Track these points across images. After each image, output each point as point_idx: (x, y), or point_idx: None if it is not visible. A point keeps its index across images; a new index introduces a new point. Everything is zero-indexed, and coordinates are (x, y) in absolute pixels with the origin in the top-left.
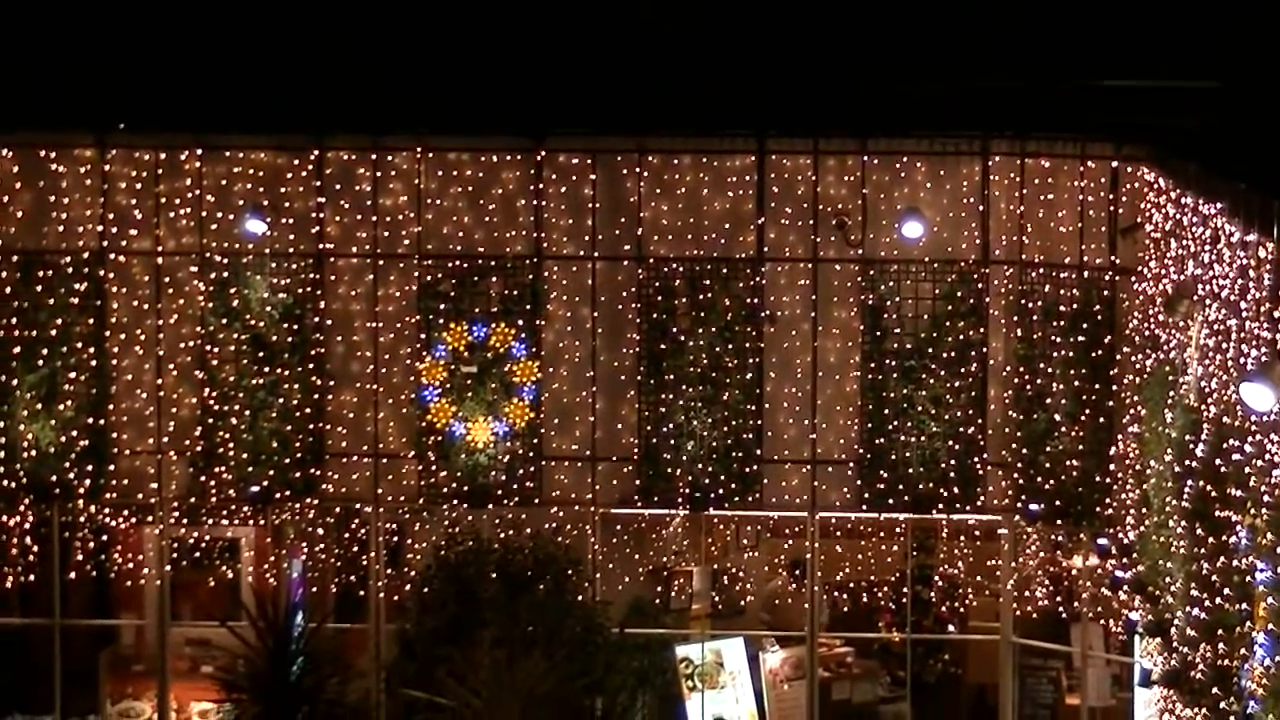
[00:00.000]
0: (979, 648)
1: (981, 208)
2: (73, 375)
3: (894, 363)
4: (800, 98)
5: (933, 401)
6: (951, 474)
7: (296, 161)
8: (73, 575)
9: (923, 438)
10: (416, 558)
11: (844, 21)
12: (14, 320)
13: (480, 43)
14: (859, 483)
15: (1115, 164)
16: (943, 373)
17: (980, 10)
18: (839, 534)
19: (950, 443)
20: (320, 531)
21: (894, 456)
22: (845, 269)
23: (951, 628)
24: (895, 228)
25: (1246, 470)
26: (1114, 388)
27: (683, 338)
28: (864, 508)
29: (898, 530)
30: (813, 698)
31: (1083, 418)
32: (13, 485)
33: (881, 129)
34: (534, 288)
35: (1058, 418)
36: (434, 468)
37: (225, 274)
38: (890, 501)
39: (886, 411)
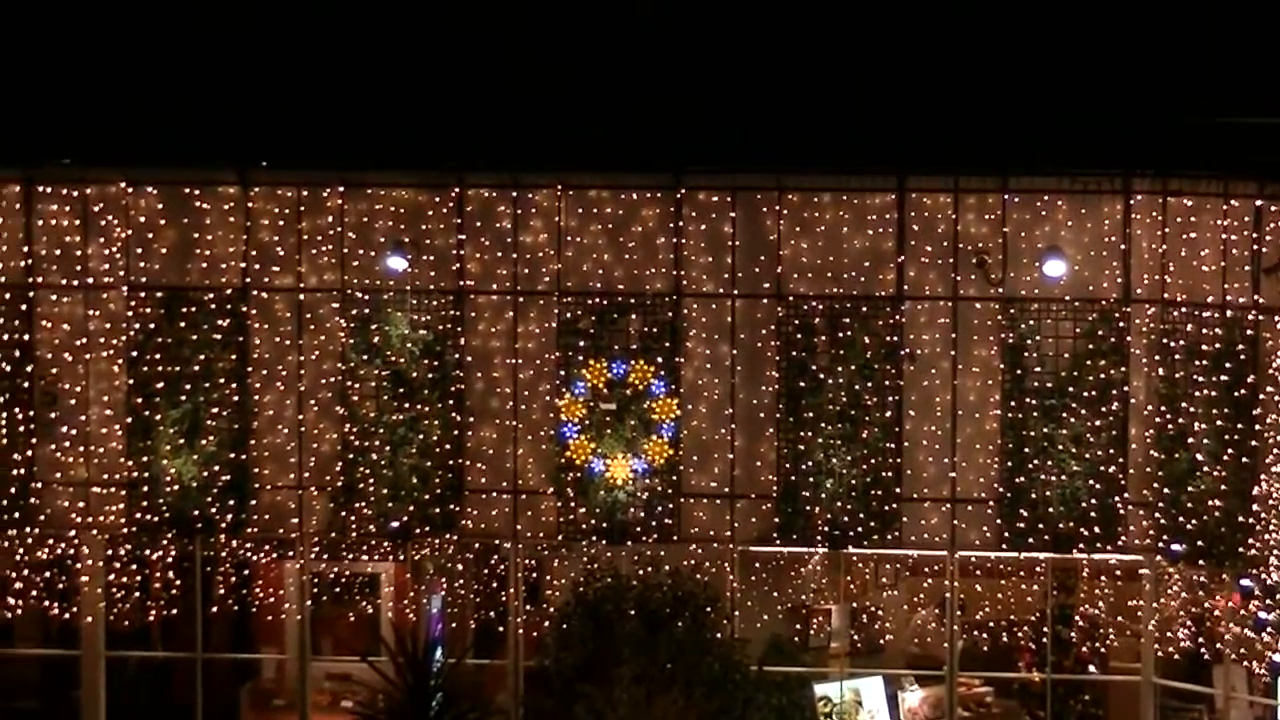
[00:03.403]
0: (1120, 689)
1: (1123, 246)
2: (215, 411)
3: (1034, 401)
4: (941, 135)
5: (1073, 440)
6: (1092, 513)
7: (438, 198)
8: (214, 609)
9: (1063, 476)
10: (555, 594)
11: (984, 59)
12: (158, 356)
13: (620, 80)
14: (999, 521)
15: (1259, 202)
16: (1084, 411)
17: (1123, 47)
18: (979, 573)
19: (1091, 482)
20: (459, 567)
21: (1034, 495)
22: (985, 307)
23: (1092, 668)
24: (1036, 266)
25: None
26: (1257, 427)
27: (822, 375)
28: (1004, 547)
29: (1038, 569)
30: None
31: (1225, 457)
32: (155, 519)
33: (1022, 167)
34: (673, 325)
35: (1200, 457)
36: (573, 504)
37: (366, 310)
38: (1030, 540)
39: (1027, 450)
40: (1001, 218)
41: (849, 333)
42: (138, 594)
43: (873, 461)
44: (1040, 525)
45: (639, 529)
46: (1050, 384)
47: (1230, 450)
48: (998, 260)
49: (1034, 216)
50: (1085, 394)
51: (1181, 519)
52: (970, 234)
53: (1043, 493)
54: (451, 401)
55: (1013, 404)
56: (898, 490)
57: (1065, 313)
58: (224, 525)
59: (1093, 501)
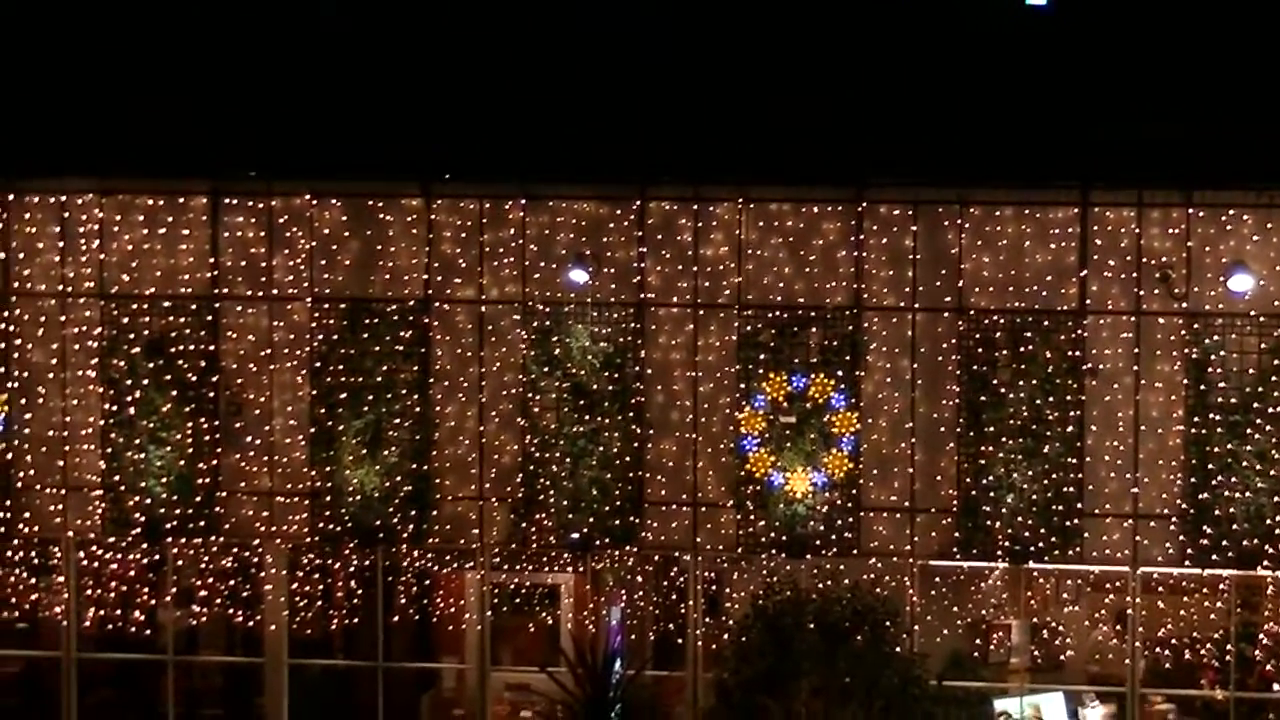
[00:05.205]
0: None
1: None
2: (397, 421)
3: (1219, 417)
4: (1124, 149)
5: (1258, 457)
6: (1277, 530)
7: (619, 211)
8: (395, 619)
9: (1248, 493)
10: (734, 606)
11: (1167, 73)
12: (341, 367)
13: (802, 93)
14: (1182, 538)
15: None
16: (1269, 428)
17: None
18: (1161, 589)
19: (1276, 498)
20: (639, 579)
21: (1218, 512)
22: (1169, 322)
23: (1277, 687)
24: (1220, 281)
25: None
26: None
27: (1003, 390)
28: (1187, 563)
29: (1221, 587)
30: None
31: None
32: (338, 529)
33: (1207, 181)
34: (854, 339)
35: None
36: (752, 517)
37: (547, 323)
38: (1214, 557)
39: (1210, 466)
40: (1185, 232)
41: (1030, 347)
42: (320, 603)
43: (1054, 476)
44: (1224, 542)
45: (818, 542)
46: (1234, 399)
47: None
48: (1181, 275)
49: (1218, 231)
50: (1270, 409)
51: None
52: (1154, 248)
53: (1226, 509)
54: (632, 414)
55: (1196, 419)
56: (1079, 505)
57: (1250, 328)
58: (405, 535)
59: (1278, 518)
